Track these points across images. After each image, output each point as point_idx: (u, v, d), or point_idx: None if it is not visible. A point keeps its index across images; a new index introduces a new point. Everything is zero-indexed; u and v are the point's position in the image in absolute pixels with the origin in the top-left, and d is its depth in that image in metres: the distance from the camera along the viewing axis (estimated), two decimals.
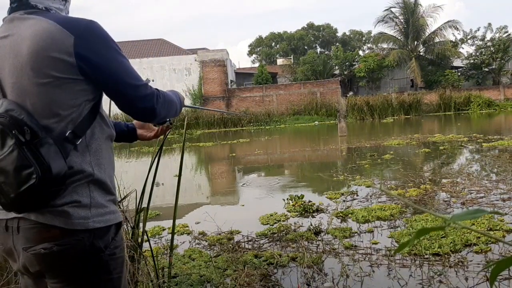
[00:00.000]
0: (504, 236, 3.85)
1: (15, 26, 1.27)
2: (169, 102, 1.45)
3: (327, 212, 5.24)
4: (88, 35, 1.25)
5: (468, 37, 35.17)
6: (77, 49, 1.22)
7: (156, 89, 1.40)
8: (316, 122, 27.84)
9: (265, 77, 34.70)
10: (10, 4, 1.33)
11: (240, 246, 4.10)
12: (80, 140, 1.28)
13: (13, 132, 1.18)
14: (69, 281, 1.31)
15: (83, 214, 1.26)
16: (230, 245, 4.08)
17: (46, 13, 1.29)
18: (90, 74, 1.26)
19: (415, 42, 35.26)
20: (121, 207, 2.78)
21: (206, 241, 4.36)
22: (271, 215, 5.18)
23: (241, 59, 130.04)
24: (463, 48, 36.28)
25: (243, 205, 6.19)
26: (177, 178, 2.94)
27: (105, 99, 1.40)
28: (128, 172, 9.43)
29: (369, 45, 52.71)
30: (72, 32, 1.22)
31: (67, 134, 1.25)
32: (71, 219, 1.24)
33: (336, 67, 37.78)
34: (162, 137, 1.96)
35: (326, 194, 6.23)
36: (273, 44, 58.16)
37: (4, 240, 1.31)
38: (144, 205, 2.84)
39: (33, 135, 1.19)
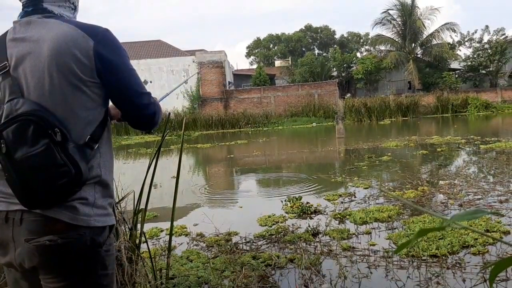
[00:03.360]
0: (501, 238, 3.86)
1: (34, 28, 1.31)
2: (160, 110, 1.55)
3: (325, 213, 5.25)
4: (106, 41, 1.33)
5: (466, 39, 35.27)
6: (96, 52, 1.30)
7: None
8: (313, 123, 27.86)
9: (263, 78, 34.73)
10: (24, 8, 1.37)
11: (238, 247, 4.09)
12: (97, 144, 1.36)
13: (49, 132, 1.22)
14: (67, 277, 1.32)
15: (87, 212, 1.31)
16: (228, 247, 4.08)
17: (62, 18, 1.36)
18: (105, 76, 1.33)
19: (413, 44, 35.34)
20: (119, 208, 2.78)
21: (204, 243, 4.36)
22: (269, 217, 5.18)
23: (239, 61, 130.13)
24: (460, 50, 36.42)
25: (241, 207, 6.19)
26: (175, 179, 2.94)
27: None
28: (126, 173, 9.40)
29: (367, 47, 52.86)
30: (91, 36, 1.30)
31: (87, 140, 1.32)
32: (77, 214, 1.29)
33: (334, 69, 37.82)
34: (160, 138, 2.03)
35: (324, 195, 6.23)
36: (271, 45, 58.23)
37: (2, 231, 1.32)
38: (142, 206, 2.84)
39: (63, 137, 1.25)
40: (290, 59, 45.63)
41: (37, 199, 1.24)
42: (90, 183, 1.33)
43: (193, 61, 31.02)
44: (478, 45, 34.43)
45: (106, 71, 1.33)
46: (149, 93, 1.45)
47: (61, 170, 1.22)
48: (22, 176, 1.23)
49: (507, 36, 33.96)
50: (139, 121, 1.49)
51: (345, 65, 37.30)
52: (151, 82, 30.38)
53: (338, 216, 4.98)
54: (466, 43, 35.32)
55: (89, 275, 1.35)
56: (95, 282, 1.36)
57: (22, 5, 1.38)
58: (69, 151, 1.24)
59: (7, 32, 1.36)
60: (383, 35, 36.31)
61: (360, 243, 4.02)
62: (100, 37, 1.32)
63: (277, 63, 44.89)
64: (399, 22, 35.23)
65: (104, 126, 1.39)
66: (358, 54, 44.28)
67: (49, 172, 1.22)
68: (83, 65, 1.28)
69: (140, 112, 1.44)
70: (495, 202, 5.23)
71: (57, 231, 1.27)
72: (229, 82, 33.94)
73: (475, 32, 35.06)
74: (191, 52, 32.44)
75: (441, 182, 6.66)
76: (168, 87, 30.11)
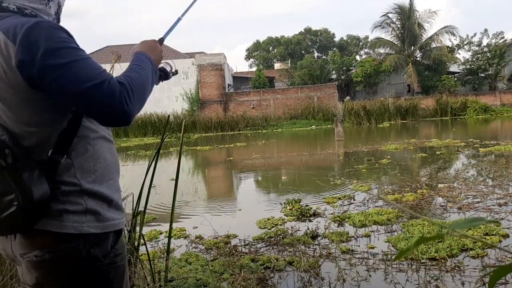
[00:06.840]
0: (500, 241, 3.86)
1: None
2: (140, 87, 1.16)
3: (324, 216, 5.24)
4: (27, 43, 1.06)
5: (465, 42, 35.36)
6: (18, 60, 1.05)
7: (118, 80, 1.12)
8: (313, 126, 27.88)
9: (263, 81, 34.77)
10: None
11: (237, 250, 4.09)
12: (63, 156, 1.18)
13: None
14: None
15: (77, 219, 1.19)
16: (227, 249, 4.07)
17: (10, 16, 1.15)
18: (41, 86, 1.09)
19: (412, 47, 35.42)
20: None
21: (203, 245, 4.35)
22: (268, 219, 5.18)
23: (239, 63, 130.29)
24: (459, 53, 36.51)
25: (240, 209, 6.18)
26: (174, 181, 2.94)
27: None
28: (125, 175, 9.39)
29: (366, 50, 53.03)
30: (13, 40, 1.06)
31: (49, 155, 1.16)
32: (65, 221, 1.17)
33: (333, 72, 37.88)
34: (159, 141, 1.98)
35: (323, 198, 6.23)
36: (270, 48, 58.30)
37: (5, 246, 1.29)
38: (141, 208, 2.84)
39: (15, 159, 1.11)
40: (289, 61, 45.69)
41: None
42: (74, 192, 1.20)
43: (193, 64, 31.05)
44: (477, 48, 34.53)
45: (35, 78, 1.06)
46: (99, 84, 1.06)
47: (7, 199, 1.10)
48: None
49: (506, 40, 34.07)
50: (105, 122, 1.14)
51: (344, 68, 37.35)
52: None
53: (337, 219, 4.98)
54: (465, 47, 35.43)
55: None
56: None
57: None
58: (20, 173, 1.10)
59: None
60: (382, 38, 36.40)
61: (359, 246, 4.02)
62: (21, 38, 1.05)
63: (277, 65, 44.96)
64: (398, 25, 35.34)
65: (72, 135, 1.18)
66: (358, 57, 44.30)
67: None
68: (10, 78, 1.08)
69: (98, 112, 1.10)
70: (494, 205, 5.23)
71: (45, 245, 1.17)
72: (229, 85, 33.96)
73: (474, 35, 35.21)
74: (191, 55, 32.48)
75: (440, 185, 6.66)
76: (167, 89, 30.13)
